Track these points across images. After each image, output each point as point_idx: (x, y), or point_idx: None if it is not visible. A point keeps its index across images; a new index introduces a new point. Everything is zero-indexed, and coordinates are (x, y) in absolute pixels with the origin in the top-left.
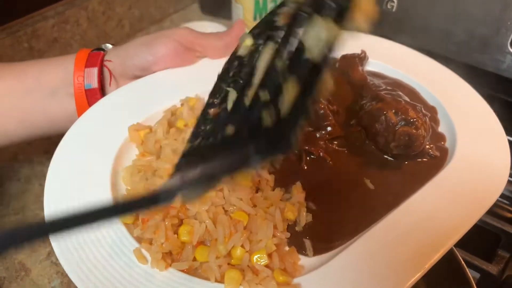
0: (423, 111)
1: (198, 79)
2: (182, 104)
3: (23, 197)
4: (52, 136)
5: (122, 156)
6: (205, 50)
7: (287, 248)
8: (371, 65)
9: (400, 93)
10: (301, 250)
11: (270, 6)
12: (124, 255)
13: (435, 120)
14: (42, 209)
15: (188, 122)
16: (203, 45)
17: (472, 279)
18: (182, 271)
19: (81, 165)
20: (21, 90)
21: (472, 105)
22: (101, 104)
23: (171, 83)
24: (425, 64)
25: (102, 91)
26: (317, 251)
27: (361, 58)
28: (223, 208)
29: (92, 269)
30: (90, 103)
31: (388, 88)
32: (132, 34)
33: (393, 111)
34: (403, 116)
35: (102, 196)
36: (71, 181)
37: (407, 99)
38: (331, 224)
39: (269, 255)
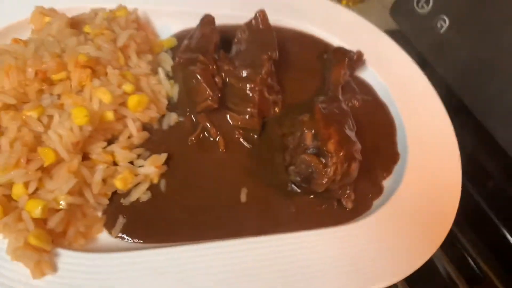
0: (357, 153)
1: None
2: (110, 10)
3: None
4: None
5: (10, 32)
6: None
7: (99, 214)
8: (368, 73)
9: (351, 122)
10: (109, 224)
11: None
12: None
13: (386, 169)
14: None
15: (94, 32)
16: None
17: None
18: None
19: None
20: None
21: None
22: None
23: None
24: (430, 103)
25: None
26: (122, 235)
27: (351, 59)
28: (37, 135)
29: None
30: None
31: (343, 106)
32: None
33: (313, 131)
34: (318, 143)
35: None
36: None
37: (351, 133)
38: (165, 215)
39: (51, 210)
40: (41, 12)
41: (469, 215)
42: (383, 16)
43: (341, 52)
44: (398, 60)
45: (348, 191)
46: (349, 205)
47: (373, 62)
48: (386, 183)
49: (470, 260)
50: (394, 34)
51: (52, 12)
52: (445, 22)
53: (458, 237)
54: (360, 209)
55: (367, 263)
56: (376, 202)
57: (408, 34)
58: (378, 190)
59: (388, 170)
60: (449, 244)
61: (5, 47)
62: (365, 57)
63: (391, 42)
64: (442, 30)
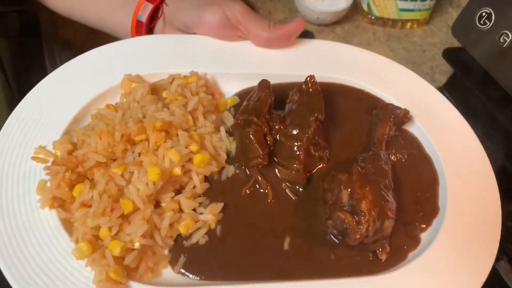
0: (390, 211)
1: (226, 58)
2: (184, 76)
3: None
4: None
5: (106, 96)
6: (248, 34)
7: (165, 252)
8: (415, 128)
9: (388, 181)
10: (173, 262)
11: None
12: (33, 174)
13: (424, 222)
14: None
15: (169, 98)
16: (248, 29)
17: None
18: (60, 218)
19: (64, 88)
20: None
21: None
22: (126, 42)
23: (198, 50)
24: (473, 156)
25: (152, 28)
26: (182, 271)
27: (397, 116)
28: (120, 188)
29: None
30: (136, 33)
31: (382, 165)
32: None
33: (349, 190)
34: (353, 202)
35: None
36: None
37: (386, 192)
38: (219, 257)
39: (128, 250)
40: (129, 79)
41: None
42: (449, 36)
43: (388, 109)
44: (446, 115)
45: (383, 244)
46: (384, 257)
47: (421, 117)
48: (424, 235)
49: None
50: (457, 52)
51: (137, 78)
52: (508, 36)
53: None
54: (395, 260)
55: None
56: (412, 254)
57: (470, 50)
58: (414, 242)
59: (427, 223)
60: None
61: (100, 112)
62: (412, 113)
63: (440, 97)
64: (505, 45)
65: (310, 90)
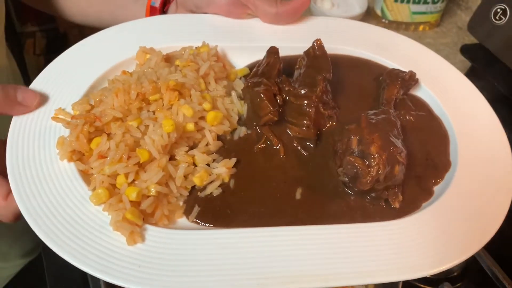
0: (400, 156)
1: (236, 33)
2: (196, 47)
3: None
4: None
5: (121, 66)
6: (256, 11)
7: (181, 203)
8: (422, 91)
9: (397, 130)
10: (187, 212)
11: None
12: (53, 133)
13: (437, 176)
14: None
15: (182, 64)
16: (256, 6)
17: None
18: (79, 170)
19: (84, 56)
20: None
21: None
22: (141, 21)
23: (208, 27)
24: (481, 112)
25: (165, 12)
26: (196, 220)
27: (404, 79)
28: (136, 140)
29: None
30: None
31: (391, 118)
32: None
33: (358, 137)
34: (362, 147)
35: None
36: (68, 63)
37: (396, 140)
38: (232, 206)
39: (144, 196)
40: (143, 50)
41: None
42: (460, 37)
43: (395, 73)
44: (450, 77)
45: (396, 192)
46: (396, 204)
47: (426, 81)
48: (437, 189)
49: None
50: (473, 48)
51: (151, 50)
52: None
53: None
54: (408, 209)
55: (411, 253)
56: (425, 204)
57: (486, 45)
58: (427, 194)
59: (439, 177)
60: None
61: (117, 77)
62: (418, 76)
63: (445, 62)
64: None
65: (317, 52)
